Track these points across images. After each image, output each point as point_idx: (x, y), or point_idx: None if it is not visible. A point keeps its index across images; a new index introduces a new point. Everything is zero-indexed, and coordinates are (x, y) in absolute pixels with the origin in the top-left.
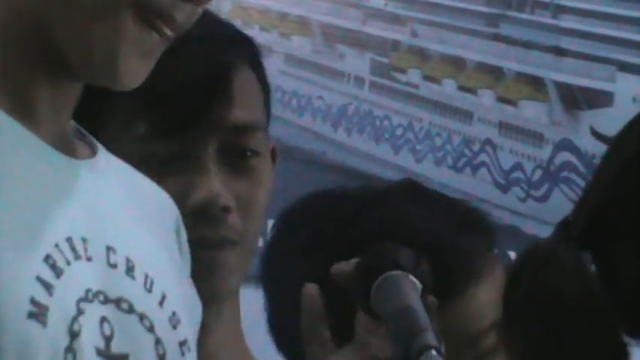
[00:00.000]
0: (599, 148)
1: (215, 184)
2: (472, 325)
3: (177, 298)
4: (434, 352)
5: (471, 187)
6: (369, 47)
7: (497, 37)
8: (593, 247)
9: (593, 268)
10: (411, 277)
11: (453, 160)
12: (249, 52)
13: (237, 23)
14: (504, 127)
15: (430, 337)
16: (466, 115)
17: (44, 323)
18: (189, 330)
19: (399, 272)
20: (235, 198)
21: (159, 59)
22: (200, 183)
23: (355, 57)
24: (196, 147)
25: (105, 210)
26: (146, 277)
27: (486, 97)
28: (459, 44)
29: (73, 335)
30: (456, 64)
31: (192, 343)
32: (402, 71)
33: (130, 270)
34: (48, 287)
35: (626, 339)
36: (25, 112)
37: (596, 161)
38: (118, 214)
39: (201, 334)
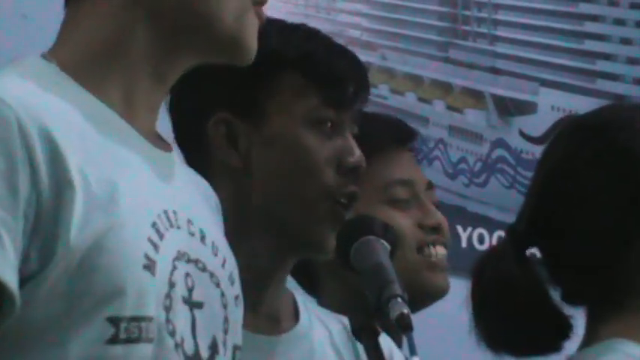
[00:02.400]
0: (525, 146)
1: (359, 152)
2: (385, 178)
3: (232, 262)
4: (399, 299)
5: (427, 175)
6: None
7: (447, 60)
8: (536, 243)
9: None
10: (382, 241)
11: (414, 154)
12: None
13: None
14: (453, 130)
15: (396, 288)
16: (423, 120)
17: (154, 274)
18: (239, 287)
19: (372, 237)
20: None
21: (326, 45)
22: (351, 148)
23: None
24: (346, 121)
25: (183, 191)
26: (213, 244)
27: (439, 106)
28: (418, 65)
29: (171, 285)
30: (416, 80)
31: (241, 297)
32: (374, 86)
33: (203, 238)
34: (155, 247)
35: (569, 312)
36: (129, 111)
37: (524, 156)
38: (191, 196)
39: (281, 280)
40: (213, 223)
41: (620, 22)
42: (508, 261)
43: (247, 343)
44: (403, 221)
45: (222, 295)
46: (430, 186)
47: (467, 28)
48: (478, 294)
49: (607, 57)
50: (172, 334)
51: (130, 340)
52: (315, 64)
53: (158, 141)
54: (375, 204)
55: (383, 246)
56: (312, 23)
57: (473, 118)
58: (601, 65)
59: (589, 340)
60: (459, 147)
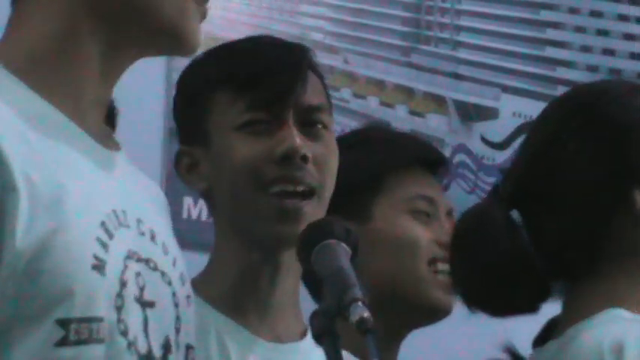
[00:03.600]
0: (487, 151)
1: (297, 138)
2: (412, 191)
3: (182, 262)
4: (360, 303)
5: None
6: None
7: (409, 65)
8: (520, 206)
9: (521, 222)
10: (343, 245)
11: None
12: (308, 55)
13: None
14: (415, 134)
15: (357, 292)
16: (385, 125)
17: (103, 274)
18: (190, 287)
19: (333, 240)
20: (312, 158)
21: (248, 55)
22: (284, 138)
23: None
24: (282, 116)
25: (131, 191)
26: (163, 244)
27: (401, 111)
28: (381, 69)
29: (123, 284)
30: (378, 85)
31: (193, 296)
32: (337, 90)
33: (153, 237)
34: (105, 246)
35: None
36: (77, 111)
37: (485, 161)
38: (140, 195)
39: (272, 280)
40: (162, 223)
41: (580, 29)
42: (492, 220)
43: (246, 344)
44: (421, 233)
45: (174, 294)
46: (450, 212)
47: (430, 33)
48: (459, 250)
49: (567, 64)
50: (124, 333)
51: (79, 342)
52: (235, 74)
53: (107, 140)
54: (397, 213)
55: (344, 250)
56: (275, 26)
57: (435, 123)
58: (561, 72)
59: (578, 312)
60: None
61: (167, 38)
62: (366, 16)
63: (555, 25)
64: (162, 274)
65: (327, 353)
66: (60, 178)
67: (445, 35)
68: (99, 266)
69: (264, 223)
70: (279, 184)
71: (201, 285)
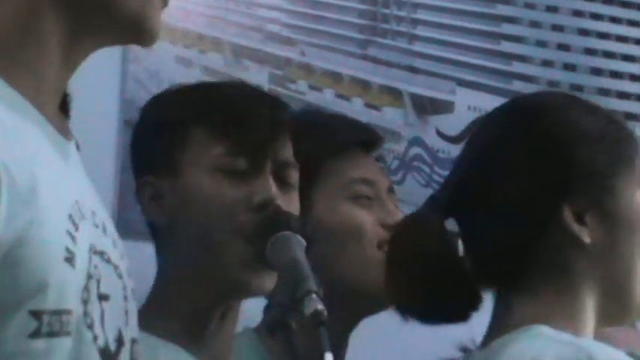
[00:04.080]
0: (442, 145)
1: (274, 190)
2: (350, 175)
3: (125, 257)
4: (314, 295)
5: None
6: (268, 63)
7: (366, 57)
8: (457, 214)
9: (458, 231)
10: (298, 237)
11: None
12: (288, 112)
13: (165, 41)
14: (345, 116)
15: (311, 284)
16: (315, 109)
17: (74, 266)
18: (132, 280)
19: (288, 232)
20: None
21: (232, 100)
22: (263, 187)
23: (257, 70)
24: (261, 165)
25: (84, 182)
26: (113, 236)
27: (357, 104)
28: (337, 62)
29: (89, 277)
30: (334, 77)
31: (135, 290)
32: (293, 82)
33: (105, 230)
34: (73, 238)
35: (479, 286)
36: (39, 97)
37: (440, 154)
38: (89, 187)
39: (222, 320)
40: (107, 216)
41: (536, 24)
42: (426, 228)
43: None
44: (365, 218)
45: (124, 287)
46: (391, 190)
47: (386, 26)
48: (392, 258)
49: (523, 59)
50: (90, 327)
51: (51, 334)
52: (217, 116)
53: (62, 127)
54: (337, 200)
55: (298, 241)
56: (232, 17)
57: (390, 116)
58: (517, 67)
59: (504, 324)
60: None
61: (129, 27)
62: (323, 9)
63: (511, 20)
64: (115, 267)
65: (281, 345)
66: (32, 168)
67: (401, 28)
68: (70, 258)
69: (236, 270)
70: (255, 232)
71: (148, 318)
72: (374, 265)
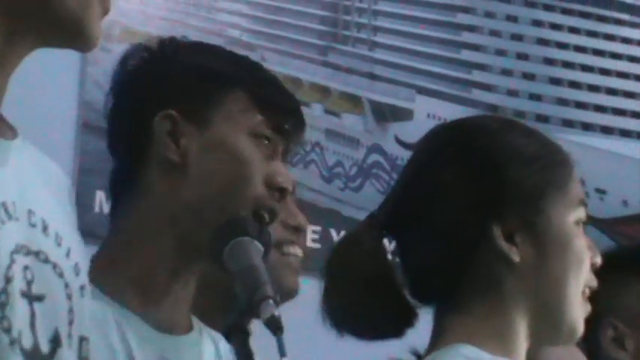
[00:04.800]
0: (401, 152)
1: (293, 181)
2: None
3: (78, 251)
4: (271, 301)
5: (303, 178)
6: None
7: (326, 64)
8: (394, 231)
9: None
10: (256, 242)
11: (290, 157)
12: None
13: (126, 44)
14: (330, 133)
15: (268, 290)
16: None
17: None
18: (85, 277)
19: (246, 238)
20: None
21: (273, 78)
22: (285, 171)
23: None
24: (285, 147)
25: (25, 180)
26: (57, 234)
27: (317, 110)
28: (297, 68)
29: (8, 280)
30: (295, 83)
31: (88, 287)
32: None
33: (45, 229)
34: None
35: (414, 302)
36: None
37: (399, 162)
38: (34, 184)
39: (184, 281)
40: (58, 211)
41: (495, 33)
42: (361, 245)
43: (144, 335)
44: None
45: (67, 285)
46: (293, 191)
47: (347, 33)
48: (330, 274)
49: (482, 67)
50: (7, 330)
51: None
52: (261, 88)
53: (2, 128)
54: None
55: (256, 247)
56: (192, 21)
57: (350, 122)
58: (476, 75)
59: (436, 342)
60: (336, 151)
61: (67, 31)
62: (284, 14)
63: (471, 29)
64: (54, 266)
65: (237, 350)
66: None
67: (362, 35)
68: None
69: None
70: (264, 208)
71: (99, 274)
72: (272, 266)
